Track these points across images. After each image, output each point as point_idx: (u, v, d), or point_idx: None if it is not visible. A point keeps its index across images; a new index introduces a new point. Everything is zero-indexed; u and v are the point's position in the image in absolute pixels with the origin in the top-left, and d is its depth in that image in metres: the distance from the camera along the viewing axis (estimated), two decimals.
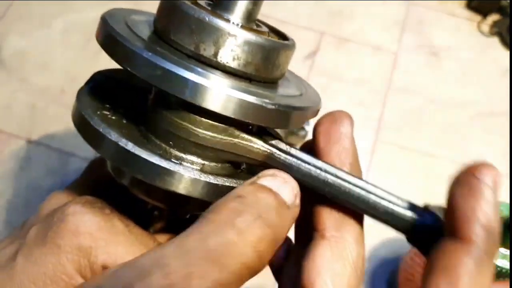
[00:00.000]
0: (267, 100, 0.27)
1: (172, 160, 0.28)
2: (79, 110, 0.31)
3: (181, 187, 0.28)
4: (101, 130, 0.29)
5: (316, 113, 0.34)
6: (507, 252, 0.52)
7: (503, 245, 0.52)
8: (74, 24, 0.93)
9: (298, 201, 0.28)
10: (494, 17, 0.99)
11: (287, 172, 0.28)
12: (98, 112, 0.31)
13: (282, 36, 0.34)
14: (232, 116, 0.27)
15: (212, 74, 0.27)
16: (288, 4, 0.95)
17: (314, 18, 0.96)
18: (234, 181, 0.29)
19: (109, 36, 0.29)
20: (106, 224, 0.31)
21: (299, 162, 0.29)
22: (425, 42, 0.97)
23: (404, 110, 0.89)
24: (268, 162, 0.30)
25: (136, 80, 0.30)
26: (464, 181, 0.28)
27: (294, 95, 0.32)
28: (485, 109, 0.90)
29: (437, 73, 0.94)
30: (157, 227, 0.36)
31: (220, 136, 0.29)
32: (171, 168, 0.28)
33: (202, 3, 0.31)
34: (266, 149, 0.30)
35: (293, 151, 0.30)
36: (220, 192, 0.28)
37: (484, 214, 0.27)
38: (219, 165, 0.30)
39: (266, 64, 0.30)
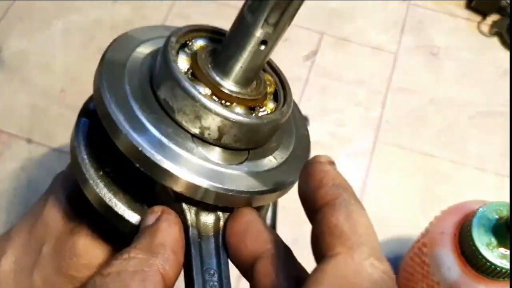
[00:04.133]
0: (223, 186, 0.29)
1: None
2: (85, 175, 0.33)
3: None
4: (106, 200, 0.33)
5: (285, 192, 0.33)
6: (507, 252, 0.52)
7: (503, 245, 0.52)
8: (74, 24, 0.93)
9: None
10: (493, 17, 0.99)
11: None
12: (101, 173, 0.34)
13: (283, 88, 0.35)
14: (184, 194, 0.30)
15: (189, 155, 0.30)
16: None
17: (314, 18, 0.96)
18: None
19: (106, 116, 0.30)
20: (112, 253, 0.35)
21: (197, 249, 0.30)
22: (424, 42, 0.97)
23: (404, 110, 0.89)
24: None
25: None
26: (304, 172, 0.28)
27: (270, 167, 0.33)
28: (484, 109, 0.90)
29: (436, 73, 0.94)
30: None
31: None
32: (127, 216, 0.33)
33: (203, 58, 0.32)
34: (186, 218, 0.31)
35: (204, 239, 0.31)
36: None
37: (329, 177, 0.27)
38: None
39: (250, 137, 0.32)
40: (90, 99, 0.38)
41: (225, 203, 0.31)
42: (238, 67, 0.31)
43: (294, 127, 0.36)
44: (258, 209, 0.33)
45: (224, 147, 0.31)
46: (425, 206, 0.80)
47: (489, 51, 0.97)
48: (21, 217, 0.41)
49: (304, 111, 0.87)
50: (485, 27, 0.99)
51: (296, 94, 0.89)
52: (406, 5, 1.00)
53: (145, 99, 0.31)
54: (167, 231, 0.28)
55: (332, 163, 0.29)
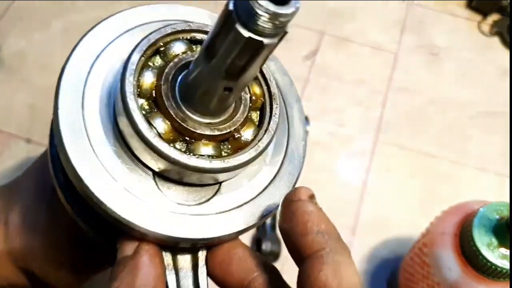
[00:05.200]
0: (191, 237, 0.27)
1: None
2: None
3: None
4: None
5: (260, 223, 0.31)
6: (507, 252, 0.52)
7: (503, 245, 0.52)
8: (74, 24, 0.92)
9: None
10: (494, 17, 0.99)
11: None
12: None
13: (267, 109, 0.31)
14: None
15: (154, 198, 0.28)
16: None
17: (314, 18, 0.96)
18: None
19: (65, 157, 0.27)
20: None
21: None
22: (425, 42, 0.96)
23: (404, 110, 0.89)
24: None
25: None
26: (285, 207, 0.27)
27: (244, 202, 0.30)
28: (485, 109, 0.90)
29: (437, 73, 0.94)
30: None
31: None
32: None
33: (169, 81, 0.28)
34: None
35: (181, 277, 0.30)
36: None
37: (313, 222, 0.26)
38: None
39: (216, 177, 0.29)
40: None
41: (198, 245, 0.29)
42: (204, 103, 0.27)
43: (287, 138, 0.32)
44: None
45: (188, 185, 0.28)
46: (426, 206, 0.80)
47: (489, 51, 0.96)
48: (25, 170, 0.44)
49: (304, 111, 0.87)
50: (486, 27, 0.98)
51: None
52: (406, 5, 1.00)
53: (105, 124, 0.28)
54: (149, 268, 0.28)
55: (312, 197, 0.27)
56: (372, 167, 0.83)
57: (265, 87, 0.30)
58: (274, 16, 0.21)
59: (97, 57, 0.29)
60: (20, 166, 0.79)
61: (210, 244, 0.29)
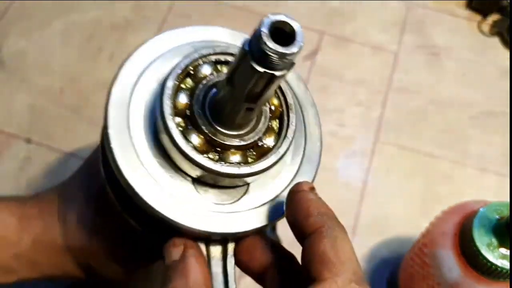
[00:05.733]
0: (224, 231, 0.33)
1: None
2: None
3: None
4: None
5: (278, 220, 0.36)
6: (507, 252, 0.52)
7: (503, 245, 0.52)
8: (74, 24, 0.92)
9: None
10: (494, 17, 0.99)
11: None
12: None
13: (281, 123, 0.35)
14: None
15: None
16: (288, 4, 0.95)
17: (314, 18, 0.96)
18: None
19: (116, 167, 0.32)
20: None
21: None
22: (425, 42, 0.97)
23: (404, 110, 0.89)
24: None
25: None
26: (290, 198, 0.33)
27: (268, 200, 0.35)
28: (485, 109, 0.90)
29: (437, 73, 0.94)
30: None
31: None
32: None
33: (200, 100, 0.33)
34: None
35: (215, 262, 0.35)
36: None
37: (314, 206, 0.32)
38: None
39: (244, 180, 0.34)
40: None
41: (228, 238, 0.34)
42: (230, 121, 0.32)
43: (304, 141, 0.37)
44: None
45: (222, 187, 0.34)
46: (426, 206, 0.80)
47: (489, 51, 0.96)
48: (76, 172, 0.48)
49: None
50: (486, 27, 0.98)
51: None
52: (406, 5, 1.00)
53: (149, 139, 0.33)
54: (197, 268, 0.32)
55: (313, 189, 0.33)
56: (372, 167, 0.83)
57: (282, 98, 0.35)
58: (282, 55, 0.26)
59: (137, 80, 0.34)
60: (20, 166, 0.79)
61: (240, 237, 0.35)
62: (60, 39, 0.91)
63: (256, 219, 0.34)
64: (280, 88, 0.35)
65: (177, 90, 0.32)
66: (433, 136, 0.87)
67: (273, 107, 0.35)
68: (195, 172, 0.32)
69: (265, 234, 0.36)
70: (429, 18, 0.99)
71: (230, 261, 0.35)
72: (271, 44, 0.26)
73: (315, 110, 0.39)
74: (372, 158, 0.84)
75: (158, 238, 0.35)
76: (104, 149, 0.35)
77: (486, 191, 0.82)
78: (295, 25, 0.28)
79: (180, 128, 0.32)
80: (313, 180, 0.37)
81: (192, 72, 0.33)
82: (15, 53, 0.89)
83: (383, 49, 0.95)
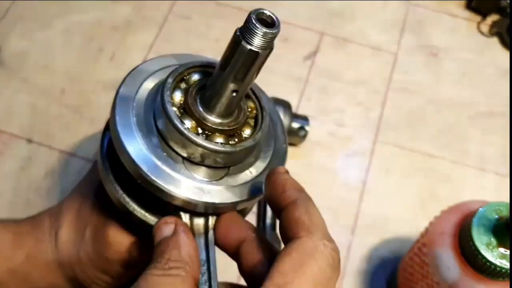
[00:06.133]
0: (207, 200, 0.39)
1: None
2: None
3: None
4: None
5: (256, 200, 0.42)
6: (507, 252, 0.52)
7: (502, 245, 0.52)
8: (74, 24, 0.93)
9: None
10: (493, 18, 0.99)
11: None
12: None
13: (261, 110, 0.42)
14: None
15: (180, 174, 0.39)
16: (288, 4, 0.95)
17: (314, 19, 0.96)
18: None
19: (116, 140, 0.39)
20: (136, 241, 0.45)
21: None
22: (424, 43, 0.97)
23: (403, 110, 0.90)
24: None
25: None
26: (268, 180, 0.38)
27: (246, 181, 0.41)
28: (484, 109, 0.91)
29: (436, 73, 0.94)
30: None
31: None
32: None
33: (193, 95, 0.40)
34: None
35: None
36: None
37: (289, 184, 0.37)
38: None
39: (227, 160, 0.40)
40: None
41: (210, 210, 0.40)
42: (218, 106, 0.39)
43: (274, 141, 0.44)
44: (241, 210, 0.43)
45: (207, 166, 0.39)
46: (425, 206, 0.80)
47: (489, 51, 0.97)
48: (71, 192, 0.51)
49: (304, 111, 0.87)
50: (485, 27, 0.99)
51: (296, 94, 0.90)
52: (406, 5, 1.00)
53: (148, 127, 0.40)
54: (188, 241, 0.37)
55: (287, 171, 0.39)
56: (372, 167, 0.84)
57: (257, 102, 0.43)
58: (265, 33, 0.35)
59: (141, 84, 0.42)
60: (20, 166, 0.79)
61: (219, 210, 0.40)
62: (61, 39, 0.91)
63: (235, 195, 0.40)
64: (254, 94, 0.43)
65: (174, 88, 0.40)
66: (433, 136, 0.87)
67: (249, 108, 0.42)
68: (186, 150, 0.38)
69: (242, 214, 0.43)
70: (428, 18, 1.00)
71: (211, 233, 0.40)
72: (258, 24, 0.35)
73: (281, 120, 0.47)
74: (372, 158, 0.84)
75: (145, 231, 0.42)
76: (102, 146, 0.44)
77: (485, 191, 0.82)
78: (275, 17, 0.36)
79: (177, 113, 0.39)
80: None
81: (185, 77, 0.41)
82: (16, 53, 0.89)
83: (383, 49, 0.95)
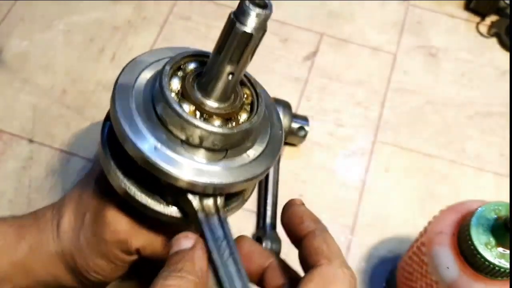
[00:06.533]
0: (206, 181, 0.39)
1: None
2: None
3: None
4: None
5: (255, 181, 0.43)
6: (506, 251, 0.52)
7: (501, 244, 0.52)
8: (76, 25, 0.93)
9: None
10: (492, 18, 0.99)
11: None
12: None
13: (257, 96, 0.44)
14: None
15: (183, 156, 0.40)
16: (288, 5, 0.96)
17: (313, 19, 0.97)
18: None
19: (117, 127, 0.40)
20: (134, 224, 0.46)
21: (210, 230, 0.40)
22: (423, 43, 0.97)
23: (403, 110, 0.90)
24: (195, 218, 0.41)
25: None
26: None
27: (243, 163, 0.42)
28: (483, 109, 0.91)
29: (435, 74, 0.94)
30: None
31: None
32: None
33: (190, 81, 0.41)
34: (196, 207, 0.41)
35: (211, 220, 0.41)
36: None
37: (306, 215, 0.41)
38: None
39: (225, 142, 0.41)
40: None
41: (215, 192, 0.41)
42: (215, 90, 0.40)
43: (270, 128, 0.45)
44: (242, 192, 0.45)
45: (206, 149, 0.40)
46: (424, 206, 0.80)
47: (487, 51, 0.97)
48: (73, 187, 0.52)
49: (304, 111, 0.88)
50: (484, 28, 0.99)
51: (296, 94, 0.90)
52: (405, 6, 1.01)
53: (147, 113, 0.40)
54: (202, 259, 0.38)
55: (303, 204, 0.42)
56: (371, 167, 0.84)
57: (252, 89, 0.44)
58: (258, 15, 0.36)
59: (139, 74, 0.43)
60: (22, 166, 0.80)
61: (222, 191, 0.41)
62: (62, 40, 0.91)
63: (234, 176, 0.41)
64: (249, 81, 0.44)
65: (171, 75, 0.41)
66: (432, 136, 0.88)
67: (245, 95, 0.43)
68: (185, 133, 0.39)
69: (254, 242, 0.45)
70: (427, 19, 1.00)
71: (222, 212, 0.41)
72: (251, 6, 0.36)
73: (275, 106, 0.48)
74: (371, 158, 0.85)
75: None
76: (103, 134, 0.45)
77: (484, 191, 0.83)
78: (267, 1, 0.37)
79: (175, 99, 0.40)
80: (277, 157, 0.44)
81: (182, 66, 0.42)
82: (18, 53, 0.90)
83: (382, 50, 0.96)
